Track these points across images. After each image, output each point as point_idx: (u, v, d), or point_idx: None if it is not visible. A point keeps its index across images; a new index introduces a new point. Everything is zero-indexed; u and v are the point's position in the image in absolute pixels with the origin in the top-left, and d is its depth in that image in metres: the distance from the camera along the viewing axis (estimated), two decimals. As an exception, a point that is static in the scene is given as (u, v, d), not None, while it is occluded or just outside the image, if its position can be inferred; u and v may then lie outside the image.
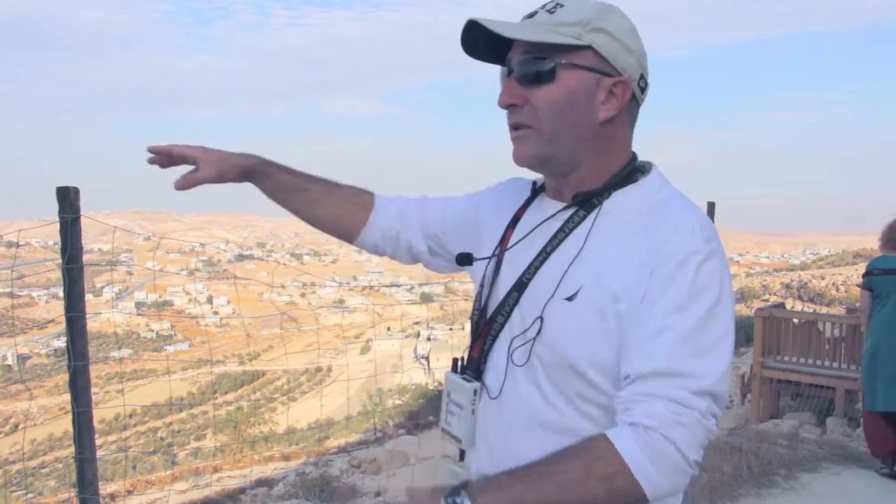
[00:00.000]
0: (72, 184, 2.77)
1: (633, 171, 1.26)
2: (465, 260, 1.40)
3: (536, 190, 1.39)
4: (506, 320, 1.27)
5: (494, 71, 1.29)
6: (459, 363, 1.37)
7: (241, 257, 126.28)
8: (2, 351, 71.91)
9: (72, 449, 2.91)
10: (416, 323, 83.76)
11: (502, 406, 1.28)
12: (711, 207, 4.75)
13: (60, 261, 2.77)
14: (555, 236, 1.25)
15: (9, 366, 73.28)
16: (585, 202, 1.24)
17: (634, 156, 1.29)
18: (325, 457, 13.56)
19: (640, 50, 1.23)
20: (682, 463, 1.07)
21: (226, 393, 64.40)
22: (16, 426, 57.18)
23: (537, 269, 1.24)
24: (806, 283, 66.58)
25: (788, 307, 15.52)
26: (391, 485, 7.56)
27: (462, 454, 1.37)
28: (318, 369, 69.58)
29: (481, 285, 1.37)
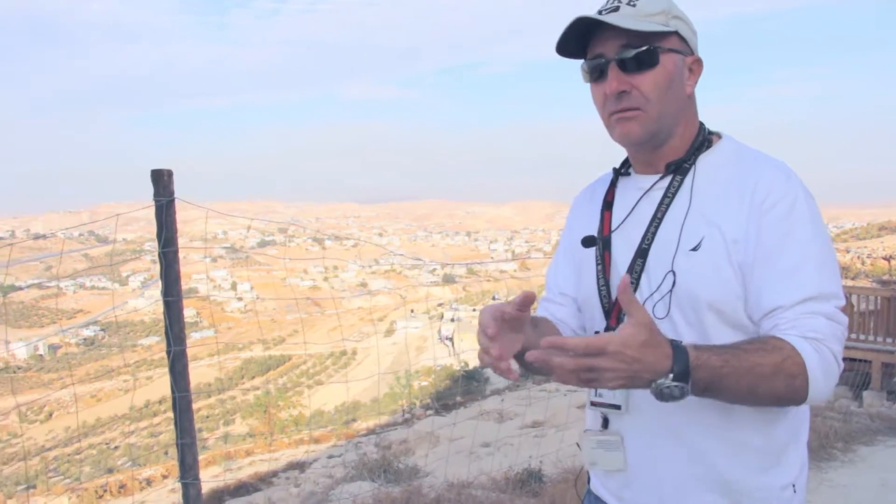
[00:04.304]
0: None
1: (707, 136, 1.45)
2: (591, 242, 1.50)
3: (618, 172, 1.54)
4: (636, 287, 1.40)
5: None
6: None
7: (263, 243, 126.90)
8: (33, 341, 73.00)
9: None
10: (440, 304, 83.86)
11: None
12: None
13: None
14: (661, 202, 1.41)
15: (40, 356, 74.44)
16: (679, 168, 1.41)
17: (703, 123, 1.47)
18: (355, 439, 13.65)
19: (696, 32, 1.45)
20: (837, 372, 1.25)
21: (252, 378, 64.92)
22: (50, 414, 58.08)
23: (654, 234, 1.39)
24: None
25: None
26: (424, 465, 7.56)
27: (605, 423, 1.49)
28: (343, 353, 69.94)
29: (598, 264, 1.49)
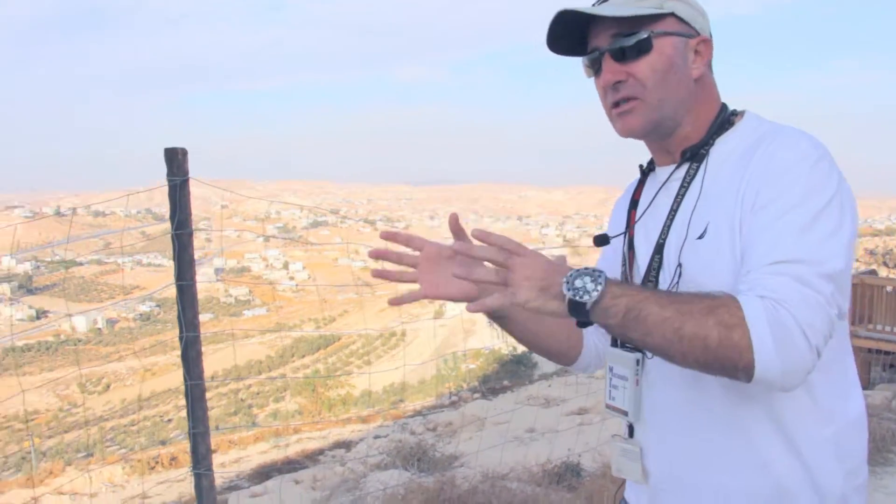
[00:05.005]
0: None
1: (728, 117, 1.34)
2: (602, 240, 1.46)
3: (645, 171, 1.47)
4: (655, 284, 1.33)
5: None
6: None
7: (315, 224, 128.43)
8: (92, 315, 75.20)
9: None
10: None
11: (661, 369, 1.31)
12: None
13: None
14: (678, 193, 1.33)
15: (99, 329, 76.76)
16: (694, 155, 1.32)
17: (725, 104, 1.37)
18: (402, 420, 13.75)
19: (705, 11, 1.35)
20: (802, 344, 1.04)
21: (303, 357, 65.90)
22: (107, 386, 59.88)
23: (669, 227, 1.31)
24: (892, 249, 63.58)
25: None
26: (468, 449, 7.56)
27: (631, 430, 1.42)
28: (393, 334, 70.49)
29: (623, 265, 1.44)
